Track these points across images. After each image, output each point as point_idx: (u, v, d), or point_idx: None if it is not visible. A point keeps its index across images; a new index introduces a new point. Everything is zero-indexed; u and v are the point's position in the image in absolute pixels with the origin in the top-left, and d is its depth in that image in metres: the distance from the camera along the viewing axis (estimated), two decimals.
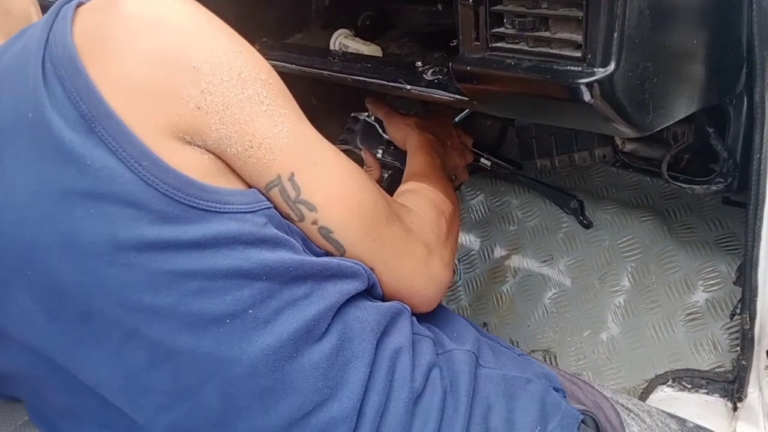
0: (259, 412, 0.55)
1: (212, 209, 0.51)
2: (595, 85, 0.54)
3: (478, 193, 1.43)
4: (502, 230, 1.38)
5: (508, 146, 1.33)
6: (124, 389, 0.55)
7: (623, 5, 0.51)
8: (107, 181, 0.48)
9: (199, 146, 0.52)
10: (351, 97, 1.41)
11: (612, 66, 0.53)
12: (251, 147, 0.53)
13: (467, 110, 1.20)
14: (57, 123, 0.48)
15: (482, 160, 1.24)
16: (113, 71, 0.49)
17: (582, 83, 0.54)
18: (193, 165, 0.51)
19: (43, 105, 0.49)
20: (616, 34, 0.52)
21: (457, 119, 1.22)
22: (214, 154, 0.53)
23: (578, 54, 0.55)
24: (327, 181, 0.57)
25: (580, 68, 0.55)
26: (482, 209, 1.42)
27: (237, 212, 0.52)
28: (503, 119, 1.29)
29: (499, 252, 1.37)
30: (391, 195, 0.68)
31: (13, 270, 0.53)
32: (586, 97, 0.55)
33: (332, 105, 1.44)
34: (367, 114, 1.10)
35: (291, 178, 0.55)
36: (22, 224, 0.51)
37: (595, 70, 0.54)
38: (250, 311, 0.53)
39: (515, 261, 1.34)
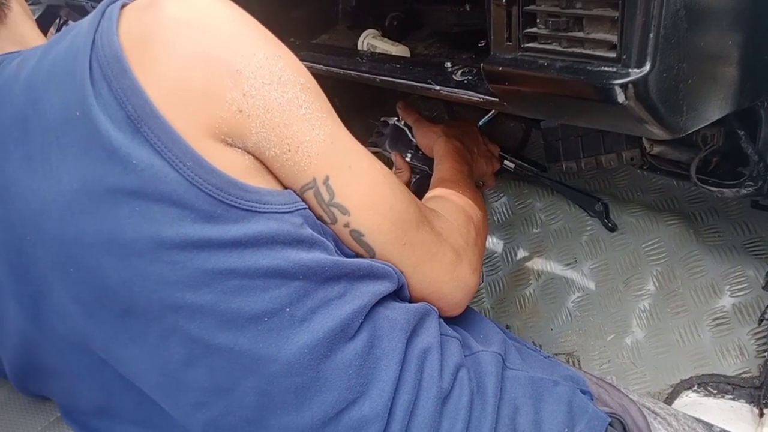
0: (294, 409, 0.55)
1: (253, 209, 0.52)
2: (630, 86, 0.53)
3: (501, 195, 1.43)
4: (526, 232, 1.37)
5: (532, 148, 1.32)
6: (161, 386, 0.56)
7: (660, 5, 0.51)
8: (152, 181, 0.49)
9: (239, 148, 0.53)
10: (373, 99, 1.42)
11: (647, 67, 0.53)
12: (289, 150, 0.54)
13: (492, 113, 1.20)
14: (103, 122, 0.49)
15: (506, 162, 1.24)
16: (158, 72, 0.50)
17: (616, 84, 0.54)
18: (234, 165, 0.52)
19: (90, 104, 0.49)
20: (652, 35, 0.52)
21: (481, 122, 1.22)
22: (253, 155, 0.53)
23: (613, 54, 0.54)
24: (360, 186, 0.58)
25: (614, 69, 0.54)
26: (505, 211, 1.41)
27: (276, 212, 0.53)
28: (527, 121, 1.29)
29: (522, 254, 1.37)
30: (419, 198, 0.68)
31: (55, 267, 0.54)
32: (620, 98, 0.54)
33: (354, 106, 1.45)
34: (397, 118, 1.11)
35: (326, 181, 0.56)
36: (65, 221, 0.52)
37: (630, 71, 0.53)
38: (288, 310, 0.53)
39: (538, 263, 1.33)
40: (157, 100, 0.49)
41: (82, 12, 1.21)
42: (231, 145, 0.52)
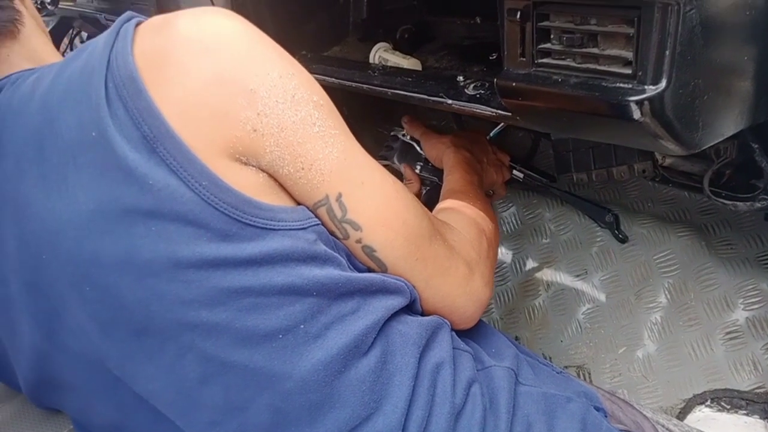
0: (308, 426, 0.55)
1: (268, 226, 0.52)
2: (646, 102, 0.53)
3: (511, 205, 1.42)
4: (535, 243, 1.37)
5: (541, 158, 1.32)
6: (176, 404, 0.56)
7: (676, 22, 0.51)
8: (168, 201, 0.49)
9: (253, 166, 0.53)
10: (382, 109, 1.42)
11: (663, 84, 0.53)
12: (302, 168, 0.54)
13: (502, 124, 1.20)
14: (120, 143, 0.49)
15: (515, 172, 1.23)
16: (173, 92, 0.50)
17: (632, 101, 0.54)
18: (248, 184, 0.52)
19: (106, 125, 0.50)
20: (668, 52, 0.51)
21: (491, 134, 1.22)
22: (267, 173, 0.54)
23: (628, 71, 0.54)
24: (373, 202, 0.58)
25: (630, 85, 0.54)
26: (514, 221, 1.41)
27: (290, 229, 0.53)
28: (536, 131, 1.28)
29: (531, 265, 1.36)
30: (430, 209, 0.68)
31: (71, 285, 0.54)
32: (636, 114, 0.54)
33: (364, 116, 1.45)
34: (403, 133, 1.11)
35: (338, 198, 0.56)
36: (82, 241, 0.52)
37: (646, 87, 0.53)
38: (302, 326, 0.53)
39: (548, 274, 1.33)
40: (172, 121, 0.50)
41: (96, 24, 1.21)
42: (245, 164, 0.52)
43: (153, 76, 0.50)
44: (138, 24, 0.54)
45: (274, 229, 0.52)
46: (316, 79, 0.57)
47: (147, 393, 0.57)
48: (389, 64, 0.88)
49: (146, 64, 0.51)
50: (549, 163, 1.28)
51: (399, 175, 1.10)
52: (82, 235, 0.52)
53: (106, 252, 0.51)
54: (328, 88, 0.56)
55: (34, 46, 0.66)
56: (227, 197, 0.50)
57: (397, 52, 0.88)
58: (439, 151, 1.01)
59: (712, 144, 0.62)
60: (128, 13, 0.56)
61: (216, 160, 0.51)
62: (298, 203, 0.56)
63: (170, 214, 0.50)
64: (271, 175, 0.54)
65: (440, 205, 0.84)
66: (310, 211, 0.56)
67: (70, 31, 1.45)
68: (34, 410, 0.74)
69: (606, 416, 0.70)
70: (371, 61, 0.90)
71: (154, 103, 0.49)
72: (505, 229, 1.42)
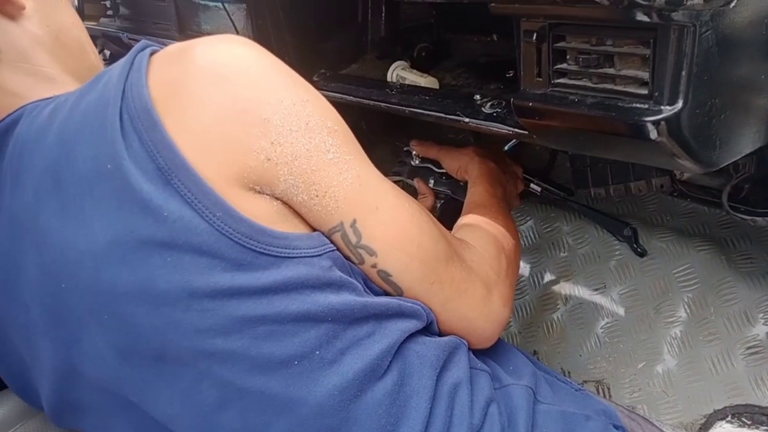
0: None
1: (282, 255, 0.52)
2: (662, 122, 0.53)
3: (528, 218, 1.42)
4: (553, 256, 1.36)
5: (558, 171, 1.32)
6: (194, 427, 0.57)
7: (692, 43, 0.51)
8: (183, 232, 0.50)
9: (267, 194, 0.53)
10: (399, 123, 1.43)
11: (680, 104, 0.53)
12: (317, 196, 0.54)
13: None
14: (135, 175, 0.50)
15: (532, 185, 1.23)
16: (188, 123, 0.51)
17: (648, 121, 0.54)
18: (262, 212, 0.52)
19: (122, 157, 0.50)
20: (684, 72, 0.52)
21: (507, 147, 1.22)
22: (281, 200, 0.54)
23: (644, 91, 0.55)
24: (387, 227, 0.58)
25: (646, 106, 0.54)
26: (532, 235, 1.41)
27: (305, 256, 0.53)
28: None
29: (549, 278, 1.35)
30: (443, 223, 0.68)
31: (90, 313, 0.55)
32: (653, 134, 0.54)
33: (381, 130, 1.46)
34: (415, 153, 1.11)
35: (353, 224, 0.56)
36: (100, 270, 0.52)
37: (662, 107, 0.54)
38: (317, 352, 0.53)
39: (566, 288, 1.32)
40: (186, 152, 0.50)
41: (118, 42, 1.24)
42: (260, 193, 0.53)
43: (168, 106, 0.51)
44: (153, 53, 0.55)
45: (288, 257, 0.52)
46: (335, 98, 0.58)
47: (165, 417, 0.57)
48: (407, 82, 0.89)
49: (161, 95, 0.51)
50: (566, 176, 1.28)
51: (412, 190, 1.10)
52: (99, 265, 0.52)
53: (123, 282, 0.52)
54: (347, 105, 0.57)
55: (29, 59, 0.64)
56: (241, 227, 0.51)
57: (415, 71, 0.89)
58: (462, 162, 1.00)
59: (729, 162, 0.62)
60: (143, 42, 0.57)
61: (230, 189, 0.51)
62: (314, 229, 0.56)
63: (185, 245, 0.50)
64: (285, 203, 0.54)
65: (461, 221, 0.84)
66: (325, 236, 0.56)
67: None
68: (56, 428, 0.75)
69: None
70: (389, 79, 0.91)
71: (169, 135, 0.50)
72: (522, 242, 1.42)
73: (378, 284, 0.60)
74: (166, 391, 0.55)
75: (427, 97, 0.81)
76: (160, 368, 0.55)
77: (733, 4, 0.51)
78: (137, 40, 1.17)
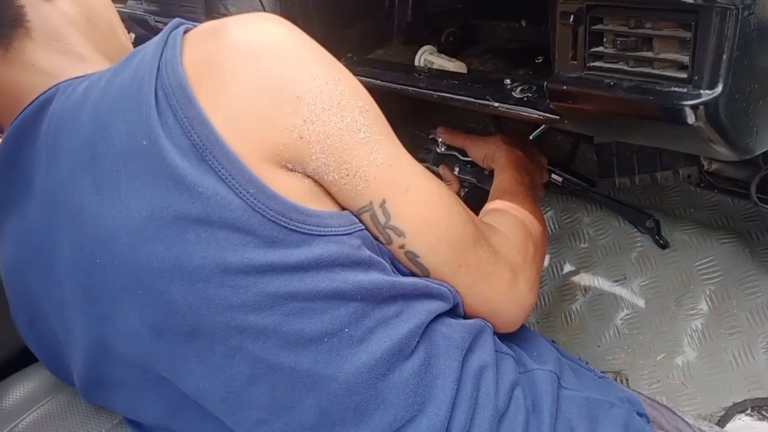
0: (352, 427, 0.56)
1: (314, 232, 0.52)
2: (701, 107, 0.53)
3: (548, 209, 1.42)
4: (573, 247, 1.36)
5: (580, 161, 1.31)
6: (225, 402, 0.57)
7: (734, 26, 0.50)
8: (217, 208, 0.50)
9: (299, 172, 0.53)
10: (420, 110, 1.43)
11: (719, 88, 0.52)
12: (347, 175, 0.54)
13: (543, 127, 1.19)
14: (170, 151, 0.50)
15: (554, 175, 1.23)
16: (222, 100, 0.51)
17: (687, 105, 0.53)
18: (294, 190, 0.53)
19: (157, 134, 0.50)
20: (725, 56, 0.51)
21: (531, 136, 1.21)
22: (312, 179, 0.54)
23: (683, 75, 0.54)
24: (416, 208, 0.58)
25: (685, 90, 0.54)
26: (552, 225, 1.40)
27: (336, 234, 0.54)
28: (576, 134, 1.28)
29: (569, 269, 1.35)
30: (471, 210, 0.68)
31: (124, 289, 0.55)
32: (691, 119, 0.54)
33: (401, 117, 1.45)
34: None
35: (382, 204, 0.56)
36: (135, 246, 0.53)
37: (702, 92, 0.53)
38: (346, 330, 0.54)
39: (586, 279, 1.32)
40: (221, 129, 0.50)
41: (145, 26, 1.25)
42: (291, 170, 0.53)
43: (202, 84, 0.51)
44: (186, 31, 0.55)
45: (319, 235, 0.53)
46: (362, 82, 0.58)
47: (196, 392, 0.58)
48: (434, 66, 0.89)
49: (195, 72, 0.51)
50: (588, 167, 1.27)
51: (437, 177, 1.10)
52: (134, 241, 0.52)
53: (157, 257, 0.52)
54: (371, 91, 0.56)
55: (62, 38, 0.65)
56: (274, 204, 0.51)
57: (443, 55, 0.89)
58: (489, 150, 0.99)
59: (765, 149, 0.61)
60: (176, 20, 0.57)
61: (263, 166, 0.51)
62: (343, 208, 0.56)
63: (219, 221, 0.50)
64: (316, 181, 0.54)
65: (488, 206, 0.84)
66: (355, 216, 0.56)
67: None
68: (84, 401, 0.76)
69: (649, 422, 0.69)
70: (417, 63, 0.91)
71: (204, 112, 0.50)
72: None
73: (405, 265, 0.60)
74: (199, 367, 0.56)
75: (456, 82, 0.80)
76: (192, 343, 0.55)
77: None
78: (164, 23, 1.17)
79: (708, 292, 1.16)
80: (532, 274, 0.71)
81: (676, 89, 0.55)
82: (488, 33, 0.99)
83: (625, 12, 0.56)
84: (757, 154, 0.61)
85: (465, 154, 1.05)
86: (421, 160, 1.12)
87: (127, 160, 0.52)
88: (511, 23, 0.97)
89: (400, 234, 0.57)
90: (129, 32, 1.44)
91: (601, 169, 1.09)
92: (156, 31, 0.57)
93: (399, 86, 0.84)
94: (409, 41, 1.00)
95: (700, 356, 1.13)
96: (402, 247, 0.58)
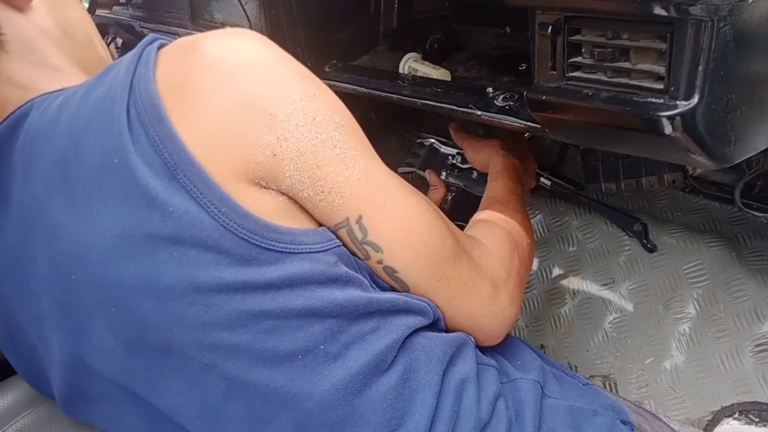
0: None
1: (287, 250, 0.52)
2: (678, 118, 0.53)
3: (537, 212, 1.42)
4: (562, 251, 1.36)
5: (568, 165, 1.31)
6: (201, 417, 0.57)
7: (709, 38, 0.50)
8: (189, 227, 0.50)
9: (273, 190, 0.53)
10: (410, 115, 1.43)
11: (695, 99, 0.52)
12: (322, 191, 0.54)
13: None
14: (141, 169, 0.50)
15: (542, 179, 1.23)
16: (194, 118, 0.50)
17: (664, 116, 0.53)
18: (268, 208, 0.52)
19: (128, 152, 0.50)
20: (701, 67, 0.51)
21: (525, 134, 1.21)
22: (287, 196, 0.54)
23: (660, 86, 0.54)
24: (394, 223, 0.57)
25: (661, 100, 0.54)
26: (541, 229, 1.40)
27: (310, 252, 0.53)
28: None
29: (557, 272, 1.36)
30: (454, 215, 0.67)
31: (97, 306, 0.55)
32: (668, 130, 0.54)
33: (391, 121, 1.46)
34: (432, 141, 1.11)
35: (359, 220, 0.56)
36: (107, 264, 0.52)
37: (678, 102, 0.53)
38: (322, 347, 0.54)
39: (574, 283, 1.32)
40: (192, 147, 0.50)
41: (131, 31, 1.24)
42: (265, 188, 0.52)
43: (175, 101, 0.50)
44: (161, 47, 0.54)
45: (293, 253, 0.52)
46: (346, 89, 0.57)
47: (172, 408, 0.58)
48: (419, 74, 0.88)
49: (168, 89, 0.51)
50: (577, 170, 1.27)
51: (424, 182, 1.10)
52: (106, 258, 0.52)
53: (129, 276, 0.52)
54: (357, 96, 0.56)
55: (37, 50, 0.64)
56: (246, 223, 0.50)
57: (427, 63, 0.89)
58: (485, 154, 0.99)
59: (744, 158, 0.61)
60: (151, 36, 0.56)
61: (235, 184, 0.51)
62: (320, 224, 0.56)
63: (191, 240, 0.50)
64: (291, 198, 0.54)
65: (478, 216, 0.83)
66: (332, 231, 0.56)
67: (106, 37, 1.48)
68: (64, 415, 0.76)
69: (633, 430, 0.69)
70: (401, 71, 0.91)
71: (175, 130, 0.50)
72: None
73: (385, 280, 0.59)
74: (174, 382, 0.56)
75: (439, 90, 0.80)
76: (167, 360, 0.55)
77: (751, 0, 0.50)
78: (150, 29, 1.17)
79: (695, 296, 1.16)
80: (515, 288, 0.71)
81: (653, 100, 0.55)
82: (473, 39, 0.99)
83: (603, 23, 0.56)
84: (736, 162, 0.61)
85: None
86: (407, 165, 1.12)
87: (99, 178, 0.52)
88: (496, 30, 0.97)
89: (378, 249, 0.57)
90: (115, 38, 1.44)
91: (587, 174, 1.10)
92: (142, 37, 0.56)
93: (383, 94, 0.84)
94: (394, 47, 1.00)
95: (688, 360, 1.14)
96: (380, 262, 0.58)
